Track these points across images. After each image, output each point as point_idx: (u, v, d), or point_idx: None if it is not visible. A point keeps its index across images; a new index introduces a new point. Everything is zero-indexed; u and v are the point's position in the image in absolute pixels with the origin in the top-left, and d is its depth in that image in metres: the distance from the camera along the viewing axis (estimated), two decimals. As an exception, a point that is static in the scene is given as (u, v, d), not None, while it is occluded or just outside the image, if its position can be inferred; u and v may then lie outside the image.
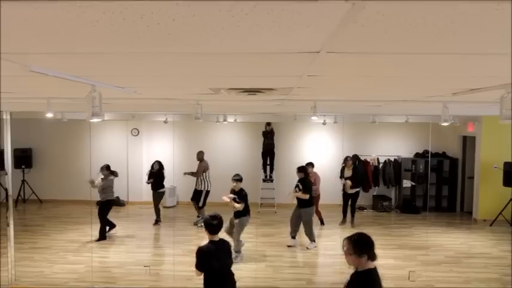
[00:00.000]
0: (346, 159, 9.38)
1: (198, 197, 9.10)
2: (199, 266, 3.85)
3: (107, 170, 8.15)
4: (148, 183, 9.27)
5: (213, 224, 3.90)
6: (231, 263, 4.09)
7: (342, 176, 9.31)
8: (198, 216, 9.11)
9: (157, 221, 9.26)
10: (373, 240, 2.88)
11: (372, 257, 2.81)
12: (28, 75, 1.93)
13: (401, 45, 1.28)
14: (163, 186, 9.28)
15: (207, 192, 9.14)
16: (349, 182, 8.97)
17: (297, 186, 7.60)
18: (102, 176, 8.06)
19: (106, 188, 8.11)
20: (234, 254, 6.28)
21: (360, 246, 2.81)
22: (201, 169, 9.10)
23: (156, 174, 9.12)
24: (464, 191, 10.65)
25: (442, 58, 1.53)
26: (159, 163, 9.23)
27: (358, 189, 9.23)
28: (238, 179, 6.81)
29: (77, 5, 0.88)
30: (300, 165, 8.18)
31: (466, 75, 2.04)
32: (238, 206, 6.68)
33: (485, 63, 1.66)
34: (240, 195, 6.73)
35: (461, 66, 1.73)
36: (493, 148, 9.36)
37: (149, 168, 9.43)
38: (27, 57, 1.58)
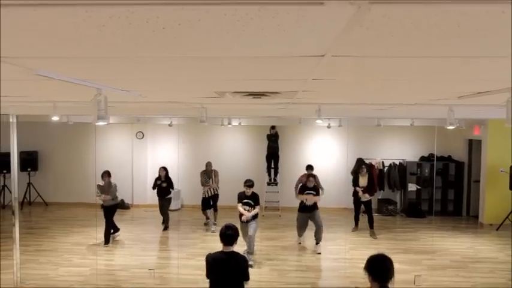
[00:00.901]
0: (360, 167, 8.99)
1: (214, 202, 9.17)
2: (206, 273, 3.81)
3: (108, 176, 8.08)
4: (162, 185, 8.95)
5: (226, 234, 3.77)
6: (241, 278, 3.79)
7: (356, 185, 8.88)
8: (214, 223, 9.05)
9: (166, 226, 9.16)
10: (386, 265, 2.79)
11: (376, 279, 2.76)
12: (34, 79, 1.94)
13: (407, 49, 1.27)
14: (170, 192, 9.14)
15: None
16: (366, 195, 8.67)
17: (310, 192, 7.60)
18: (102, 183, 7.98)
19: (113, 193, 8.11)
20: (247, 256, 6.30)
21: (366, 264, 2.84)
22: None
23: (165, 181, 9.00)
24: (470, 195, 10.56)
25: (447, 61, 1.52)
26: (165, 169, 9.07)
27: (371, 197, 8.96)
28: (250, 184, 6.90)
29: (84, 10, 0.89)
30: (310, 166, 8.42)
31: (472, 78, 2.02)
32: (257, 210, 6.93)
33: (492, 66, 1.65)
34: (255, 199, 6.93)
35: (467, 69, 1.72)
36: (500, 151, 9.29)
37: (156, 175, 9.24)
38: (34, 62, 1.59)
